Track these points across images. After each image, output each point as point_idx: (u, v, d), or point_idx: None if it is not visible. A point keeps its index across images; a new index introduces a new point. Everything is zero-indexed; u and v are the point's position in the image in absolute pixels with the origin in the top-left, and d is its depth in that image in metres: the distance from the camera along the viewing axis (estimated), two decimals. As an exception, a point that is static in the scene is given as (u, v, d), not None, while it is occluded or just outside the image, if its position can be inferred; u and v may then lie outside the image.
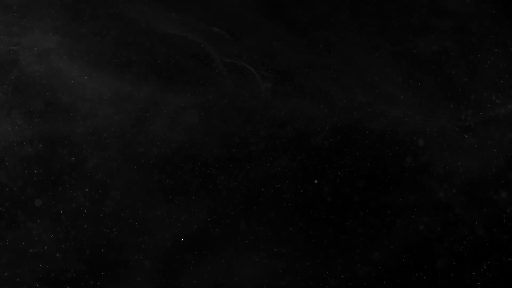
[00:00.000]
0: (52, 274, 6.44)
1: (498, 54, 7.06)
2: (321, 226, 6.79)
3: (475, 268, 6.54)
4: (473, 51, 7.13)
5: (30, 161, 6.66)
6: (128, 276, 6.54)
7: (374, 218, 6.78)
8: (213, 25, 6.86)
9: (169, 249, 6.66)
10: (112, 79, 6.94)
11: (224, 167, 6.88)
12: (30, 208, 6.55)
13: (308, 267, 6.65)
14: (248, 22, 7.17)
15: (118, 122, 6.86)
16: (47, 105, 6.82)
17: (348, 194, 6.86)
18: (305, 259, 6.68)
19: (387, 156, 6.94)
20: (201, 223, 6.73)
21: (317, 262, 6.67)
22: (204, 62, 7.08)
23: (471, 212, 6.67)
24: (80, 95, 6.86)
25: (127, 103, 6.93)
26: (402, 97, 7.08)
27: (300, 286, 6.60)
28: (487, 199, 6.70)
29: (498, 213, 6.65)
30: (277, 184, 6.88)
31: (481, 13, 7.22)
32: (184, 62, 7.08)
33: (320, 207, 6.85)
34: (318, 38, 7.18)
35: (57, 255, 6.48)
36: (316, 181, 6.83)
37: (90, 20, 7.04)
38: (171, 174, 6.84)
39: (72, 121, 6.81)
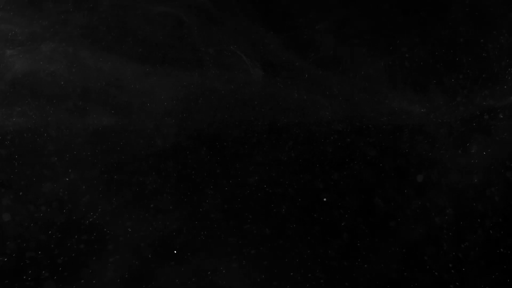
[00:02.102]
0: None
1: (502, 49, 6.88)
2: (317, 228, 6.58)
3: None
4: (476, 47, 6.95)
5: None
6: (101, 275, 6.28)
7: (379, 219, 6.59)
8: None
9: (156, 251, 6.46)
10: (103, 68, 6.76)
11: (213, 166, 6.69)
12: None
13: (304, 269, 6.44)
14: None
15: (105, 115, 6.68)
16: (35, 99, 6.62)
17: (348, 195, 6.66)
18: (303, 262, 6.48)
19: (387, 155, 6.75)
20: (186, 224, 6.55)
21: (314, 263, 6.46)
22: (192, 50, 6.86)
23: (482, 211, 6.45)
24: (68, 86, 6.68)
25: (112, 93, 6.74)
26: (405, 94, 6.94)
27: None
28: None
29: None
30: (273, 182, 6.69)
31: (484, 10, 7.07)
32: (170, 49, 6.87)
33: (317, 208, 6.64)
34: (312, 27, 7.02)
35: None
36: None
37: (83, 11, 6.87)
38: (157, 170, 6.62)
39: (57, 114, 6.62)
